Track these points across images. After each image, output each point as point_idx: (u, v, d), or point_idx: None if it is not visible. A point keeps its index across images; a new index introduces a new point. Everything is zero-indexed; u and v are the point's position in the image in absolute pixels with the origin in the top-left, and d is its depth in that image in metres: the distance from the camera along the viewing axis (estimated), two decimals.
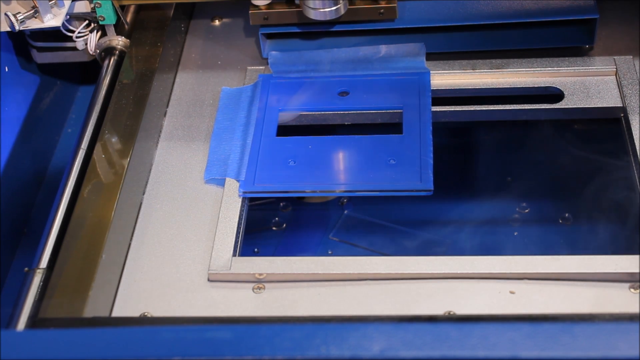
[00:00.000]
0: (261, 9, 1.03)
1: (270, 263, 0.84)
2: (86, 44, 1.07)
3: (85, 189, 0.90)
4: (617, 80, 0.99)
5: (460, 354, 0.62)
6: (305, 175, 0.92)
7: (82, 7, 1.05)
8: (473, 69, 1.01)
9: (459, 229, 1.03)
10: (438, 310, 0.79)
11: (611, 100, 0.97)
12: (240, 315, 0.81)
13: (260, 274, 0.83)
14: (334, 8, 0.99)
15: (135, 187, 0.93)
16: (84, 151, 0.95)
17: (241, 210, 0.90)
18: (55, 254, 0.85)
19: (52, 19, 1.03)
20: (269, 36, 1.07)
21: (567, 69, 1.00)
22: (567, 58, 1.01)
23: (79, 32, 1.06)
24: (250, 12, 1.03)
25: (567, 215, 1.01)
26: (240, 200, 0.90)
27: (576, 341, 0.62)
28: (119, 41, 1.06)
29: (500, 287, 0.81)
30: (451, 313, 0.79)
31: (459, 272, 0.82)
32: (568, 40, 1.03)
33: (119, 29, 1.07)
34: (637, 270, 0.80)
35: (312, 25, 1.03)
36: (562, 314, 0.76)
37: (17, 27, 1.01)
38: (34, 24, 1.02)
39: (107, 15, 1.04)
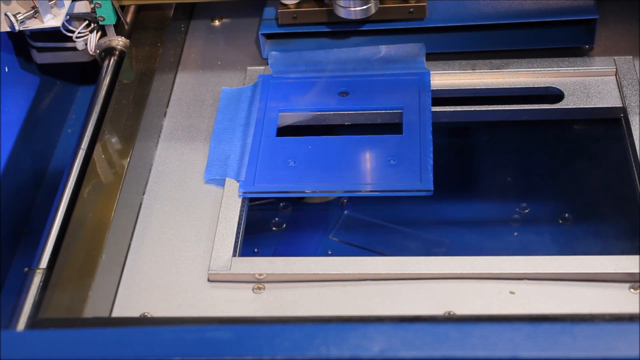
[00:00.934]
0: (290, 8, 1.03)
1: (270, 263, 0.84)
2: (86, 44, 1.07)
3: (85, 189, 0.90)
4: (617, 81, 0.99)
5: (460, 354, 0.62)
6: (305, 175, 0.92)
7: (82, 8, 1.05)
8: (473, 69, 1.01)
9: (459, 229, 1.03)
10: (438, 310, 0.79)
11: (611, 100, 0.97)
12: (240, 315, 0.81)
13: (260, 274, 0.83)
14: (365, 7, 0.99)
15: (135, 187, 0.93)
16: (84, 151, 0.95)
17: (241, 211, 0.90)
18: (55, 254, 0.85)
19: (52, 19, 1.03)
20: (269, 36, 1.07)
21: (567, 69, 1.00)
22: (567, 58, 1.01)
23: (78, 33, 1.06)
24: (279, 10, 1.03)
25: (567, 215, 1.01)
26: (240, 200, 0.90)
27: (576, 341, 0.62)
28: (119, 41, 1.06)
29: (500, 287, 0.81)
30: (451, 313, 0.79)
31: (459, 272, 0.82)
32: (568, 40, 1.03)
33: (118, 29, 1.07)
34: (637, 270, 0.80)
35: (341, 24, 1.03)
36: (562, 314, 0.76)
37: (17, 28, 1.01)
38: (33, 24, 1.02)
39: (107, 15, 1.04)
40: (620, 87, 0.97)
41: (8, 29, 1.02)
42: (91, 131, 0.97)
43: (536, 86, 1.00)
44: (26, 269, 0.84)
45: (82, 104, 1.22)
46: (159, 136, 1.00)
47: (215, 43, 1.11)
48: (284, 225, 1.07)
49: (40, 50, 1.11)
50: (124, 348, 0.65)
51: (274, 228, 1.06)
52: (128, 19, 1.08)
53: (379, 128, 0.99)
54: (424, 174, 0.90)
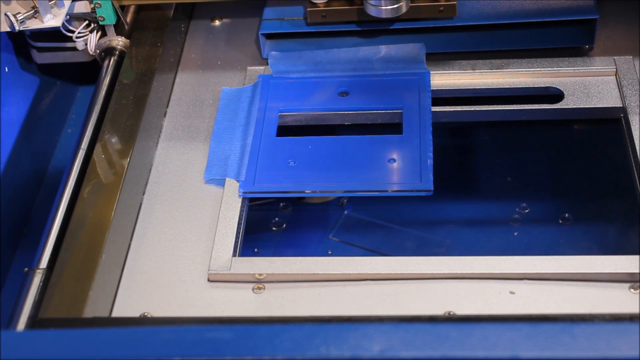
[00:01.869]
0: (319, 7, 1.03)
1: (270, 263, 0.84)
2: (86, 44, 1.06)
3: (85, 189, 0.90)
4: (617, 81, 0.99)
5: (460, 354, 0.62)
6: (305, 175, 0.92)
7: (82, 8, 1.05)
8: (473, 69, 1.01)
9: (459, 229, 1.03)
10: (438, 310, 0.79)
11: (611, 100, 0.97)
12: (240, 315, 0.81)
13: (260, 274, 0.83)
14: (397, 6, 0.99)
15: (135, 187, 0.93)
16: (84, 151, 0.95)
17: (241, 211, 0.90)
18: (55, 254, 0.85)
19: (52, 19, 1.03)
20: (269, 36, 1.07)
21: (567, 69, 1.00)
22: (567, 58, 1.01)
23: (78, 33, 1.06)
24: (308, 9, 1.03)
25: (567, 215, 1.01)
26: (240, 200, 0.90)
27: (576, 341, 0.62)
28: (119, 41, 1.06)
29: (500, 287, 0.81)
30: (451, 313, 0.79)
31: (459, 272, 0.82)
32: (568, 40, 1.03)
33: (118, 29, 1.07)
34: (637, 270, 0.80)
35: (370, 23, 1.03)
36: (562, 314, 0.76)
37: (17, 28, 1.01)
38: (33, 24, 1.02)
39: (107, 15, 1.04)
40: (620, 87, 0.97)
41: (8, 29, 1.02)
42: (91, 131, 0.97)
43: (536, 86, 1.00)
44: (26, 269, 0.84)
45: (82, 104, 1.22)
46: (159, 136, 1.00)
47: (215, 43, 1.11)
48: (284, 225, 1.07)
49: (40, 50, 1.11)
50: (124, 348, 0.65)
51: (274, 228, 1.06)
52: (128, 19, 1.08)
53: (379, 128, 0.99)
54: (424, 174, 0.90)
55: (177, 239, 0.89)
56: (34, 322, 0.79)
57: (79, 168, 0.93)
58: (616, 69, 0.99)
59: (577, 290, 0.80)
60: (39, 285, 0.82)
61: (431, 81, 1.00)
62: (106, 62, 1.05)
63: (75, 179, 0.92)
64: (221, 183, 0.93)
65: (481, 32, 1.04)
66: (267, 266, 0.84)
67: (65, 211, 0.89)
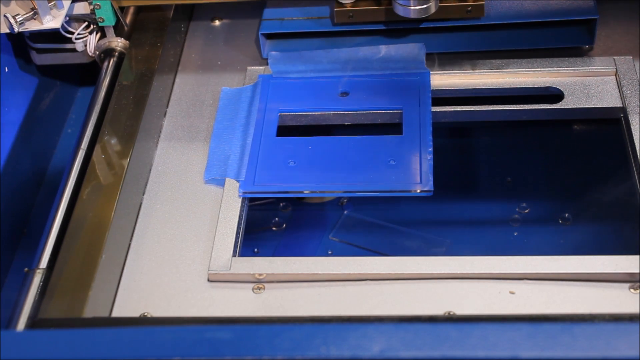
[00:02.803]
0: (346, 7, 1.02)
1: (270, 263, 0.84)
2: (85, 45, 1.06)
3: (85, 189, 0.90)
4: (617, 81, 0.99)
5: (460, 354, 0.62)
6: (305, 175, 0.92)
7: (82, 9, 1.05)
8: (473, 69, 1.01)
9: (459, 229, 1.03)
10: (438, 310, 0.79)
11: (611, 100, 0.97)
12: (240, 315, 0.81)
13: (260, 274, 0.83)
14: (426, 6, 0.98)
15: (135, 187, 0.93)
16: (84, 151, 0.95)
17: (241, 211, 0.90)
18: (55, 254, 0.85)
19: (52, 21, 1.02)
20: (269, 36, 1.07)
21: (567, 69, 1.00)
22: (567, 58, 1.01)
23: (78, 34, 1.06)
24: (335, 9, 1.02)
25: (567, 215, 1.01)
26: (240, 200, 0.90)
27: (576, 341, 0.62)
28: (119, 43, 1.06)
29: (500, 287, 0.81)
30: (451, 313, 0.78)
31: (459, 272, 0.82)
32: (568, 40, 1.03)
33: (118, 30, 1.07)
34: (637, 270, 0.80)
35: (398, 22, 1.03)
36: (562, 314, 0.76)
37: (16, 29, 1.00)
38: (33, 26, 1.02)
39: (107, 16, 1.04)
40: (620, 87, 0.97)
41: (7, 31, 1.01)
42: (91, 131, 0.97)
43: (536, 86, 1.00)
44: (26, 269, 0.84)
45: (81, 105, 1.22)
46: (159, 136, 1.00)
47: (215, 43, 1.11)
48: (284, 225, 1.07)
49: (40, 51, 1.11)
50: (124, 348, 0.65)
51: (274, 228, 1.06)
52: (127, 20, 1.08)
53: (379, 128, 0.99)
54: (424, 174, 0.90)
55: (177, 239, 0.89)
56: (34, 322, 0.79)
57: (79, 168, 0.93)
58: (616, 69, 0.99)
59: (577, 290, 0.80)
60: (39, 285, 0.82)
61: (431, 81, 1.00)
62: (106, 64, 1.05)
63: (75, 179, 0.92)
64: (221, 183, 0.93)
65: (481, 32, 1.04)
66: (267, 266, 0.84)
67: (65, 211, 0.89)
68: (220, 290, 0.84)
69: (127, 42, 1.06)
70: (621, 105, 0.96)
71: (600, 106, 0.97)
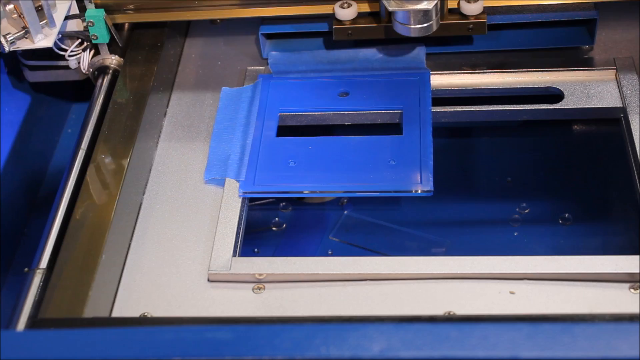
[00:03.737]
0: (345, 24, 1.00)
1: (270, 263, 0.84)
2: (79, 62, 1.04)
3: (85, 189, 0.90)
4: (617, 81, 0.99)
5: (460, 354, 0.62)
6: (305, 175, 0.92)
7: (75, 26, 1.03)
8: (473, 69, 1.01)
9: (459, 229, 1.03)
10: (438, 310, 0.79)
11: (611, 100, 0.97)
12: (240, 315, 0.81)
13: (260, 274, 0.83)
14: (426, 25, 0.96)
15: (135, 187, 0.93)
16: (84, 151, 0.95)
17: (241, 211, 0.90)
18: (55, 254, 0.85)
19: (43, 40, 0.99)
20: (269, 36, 1.07)
21: (567, 69, 1.00)
22: (567, 58, 1.01)
23: (71, 51, 1.03)
24: (334, 27, 1.00)
25: (567, 215, 1.01)
26: (240, 200, 0.90)
27: (576, 341, 0.62)
28: (113, 60, 1.04)
29: (500, 287, 0.81)
30: (451, 313, 0.78)
31: (459, 272, 0.82)
32: (568, 40, 1.03)
33: (112, 47, 1.04)
34: (637, 270, 0.80)
35: (397, 38, 1.01)
36: (562, 314, 0.76)
37: (6, 48, 0.98)
38: (24, 45, 0.99)
39: (100, 34, 1.02)
40: (620, 87, 0.97)
41: None
42: (91, 131, 0.97)
43: (536, 86, 1.00)
44: (26, 269, 0.84)
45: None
46: (159, 136, 1.00)
47: (215, 43, 1.11)
48: (284, 225, 1.07)
49: (32, 68, 1.08)
50: (124, 348, 0.65)
51: (274, 228, 1.06)
52: (124, 30, 1.06)
53: (379, 128, 0.99)
54: (424, 174, 0.90)
55: (177, 239, 0.89)
56: (34, 322, 0.79)
57: (79, 168, 0.93)
58: (616, 68, 0.99)
59: (577, 290, 0.80)
60: (39, 285, 0.82)
61: (431, 81, 1.00)
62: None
63: (75, 179, 0.92)
64: (221, 183, 0.93)
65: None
66: (267, 266, 0.84)
67: (65, 211, 0.89)
68: (220, 290, 0.84)
69: (122, 59, 1.04)
70: (621, 105, 0.96)
71: (600, 106, 0.97)
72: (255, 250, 1.04)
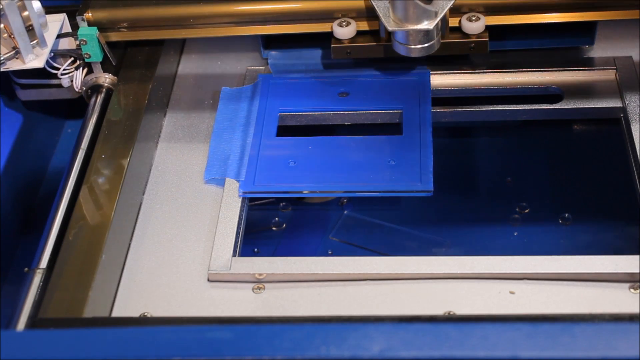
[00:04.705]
0: (344, 43, 0.99)
1: (270, 263, 0.84)
2: (72, 81, 1.02)
3: (85, 189, 0.90)
4: (617, 80, 0.99)
5: (460, 354, 0.62)
6: (305, 175, 0.92)
7: (67, 44, 1.01)
8: (473, 69, 1.01)
9: (459, 229, 1.03)
10: (438, 310, 0.79)
11: (611, 100, 0.97)
12: (240, 315, 0.81)
13: (260, 274, 0.83)
14: (427, 45, 0.94)
15: (135, 187, 0.93)
16: (84, 151, 0.95)
17: (241, 210, 0.90)
18: (55, 254, 0.85)
19: (35, 60, 0.97)
20: (269, 36, 1.07)
21: (567, 69, 1.00)
22: (567, 58, 1.01)
23: (64, 69, 1.01)
24: (332, 45, 0.99)
25: (567, 215, 1.01)
26: (240, 200, 0.90)
27: (576, 341, 0.62)
28: (106, 78, 1.02)
29: (500, 287, 0.81)
30: (451, 313, 0.79)
31: (459, 272, 0.82)
32: (568, 40, 1.03)
33: (106, 65, 1.02)
34: (637, 270, 0.80)
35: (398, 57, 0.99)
36: (562, 314, 0.76)
37: None
38: (15, 65, 0.97)
39: (93, 52, 0.99)
40: (620, 87, 0.97)
41: None
42: (91, 131, 0.97)
43: (536, 86, 1.00)
44: (26, 269, 0.84)
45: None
46: (159, 136, 1.00)
47: (215, 43, 1.11)
48: (284, 225, 1.07)
49: (24, 87, 1.06)
50: (124, 348, 0.65)
51: (274, 228, 1.06)
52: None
53: (379, 128, 0.99)
54: (424, 174, 0.90)
55: (177, 239, 0.89)
56: (34, 322, 0.79)
57: (79, 168, 0.93)
58: (616, 69, 0.99)
59: (577, 290, 0.80)
60: (39, 285, 0.82)
61: (431, 81, 1.00)
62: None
63: (75, 179, 0.92)
64: (221, 183, 0.93)
65: None
66: (267, 266, 0.84)
67: (65, 211, 0.89)
68: (220, 290, 0.84)
69: (115, 78, 1.02)
70: (621, 105, 0.96)
71: (600, 106, 0.97)
72: (255, 250, 1.04)
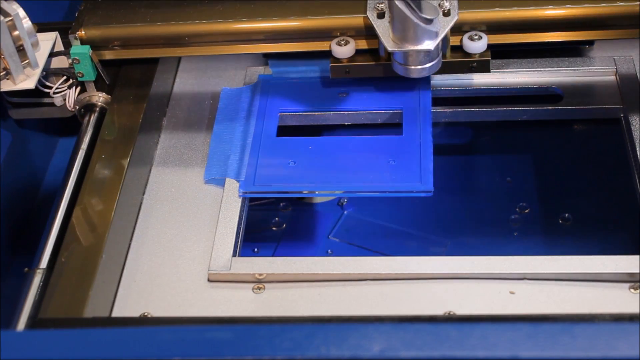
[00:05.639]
0: (343, 62, 0.97)
1: (270, 263, 0.84)
2: (64, 100, 1.00)
3: (85, 189, 0.90)
4: (617, 80, 0.99)
5: (460, 354, 0.62)
6: (305, 175, 0.92)
7: (59, 63, 1.00)
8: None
9: (459, 229, 1.03)
10: (438, 310, 0.79)
11: (611, 100, 0.97)
12: (240, 315, 0.81)
13: (260, 274, 0.83)
14: (428, 65, 0.92)
15: (135, 187, 0.93)
16: (84, 151, 0.95)
17: (241, 210, 0.90)
18: (55, 254, 0.85)
19: (25, 81, 0.96)
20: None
21: (567, 69, 1.00)
22: (567, 58, 1.01)
23: (56, 88, 1.00)
24: (330, 65, 0.97)
25: (567, 215, 1.01)
26: (240, 200, 0.90)
27: (576, 341, 0.62)
28: (100, 97, 1.00)
29: (500, 287, 0.81)
30: (451, 313, 0.79)
31: (459, 272, 0.82)
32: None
33: (99, 84, 1.00)
34: (637, 270, 0.80)
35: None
36: (562, 314, 0.76)
37: None
38: (5, 86, 0.95)
39: (86, 71, 0.97)
40: (620, 87, 0.97)
41: None
42: (91, 131, 0.97)
43: (536, 86, 1.00)
44: (26, 269, 0.84)
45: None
46: (159, 136, 1.00)
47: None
48: (284, 225, 1.07)
49: (16, 105, 1.04)
50: (124, 348, 0.65)
51: (274, 228, 1.06)
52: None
53: (379, 128, 0.99)
54: (424, 174, 0.90)
55: (177, 239, 0.89)
56: (34, 322, 0.79)
57: (79, 168, 0.93)
58: (616, 68, 0.99)
59: (577, 290, 0.80)
60: (39, 285, 0.82)
61: (431, 81, 1.00)
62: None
63: (75, 179, 0.92)
64: (221, 183, 0.93)
65: None
66: (267, 266, 0.84)
67: (65, 211, 0.89)
68: (220, 290, 0.84)
69: (109, 96, 1.00)
70: (621, 105, 0.96)
71: (600, 106, 0.97)
72: (255, 250, 1.04)
